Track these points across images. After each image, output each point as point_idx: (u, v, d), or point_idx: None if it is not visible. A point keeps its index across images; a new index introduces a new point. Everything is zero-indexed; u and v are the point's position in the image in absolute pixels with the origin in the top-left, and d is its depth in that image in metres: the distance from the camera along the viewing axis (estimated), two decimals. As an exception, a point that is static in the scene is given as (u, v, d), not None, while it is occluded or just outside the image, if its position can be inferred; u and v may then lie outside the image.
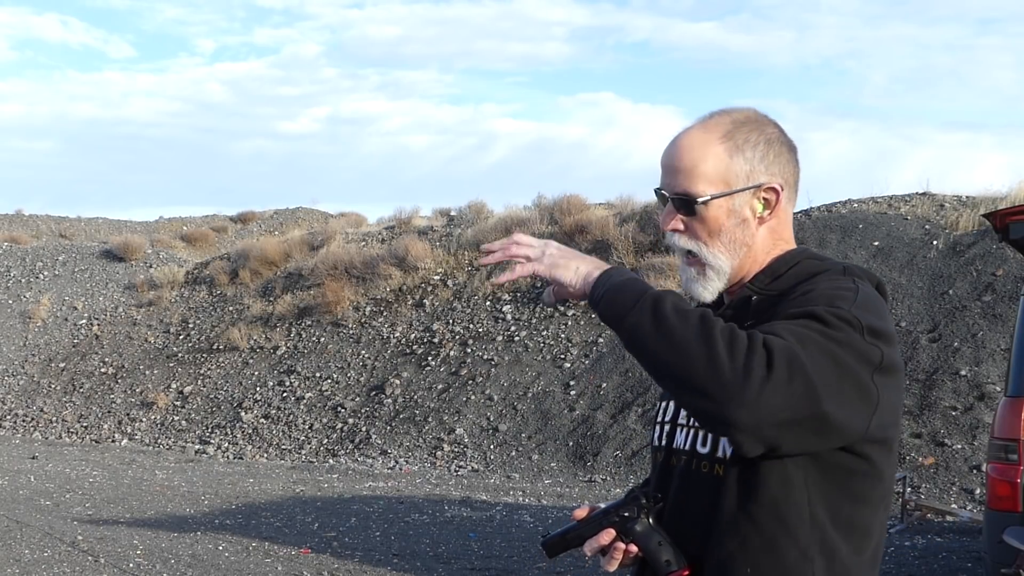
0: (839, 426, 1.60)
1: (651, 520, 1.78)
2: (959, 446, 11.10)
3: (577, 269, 1.72)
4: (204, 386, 18.09)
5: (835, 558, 1.71)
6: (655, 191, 1.87)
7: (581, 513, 1.86)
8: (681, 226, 1.81)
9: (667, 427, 1.88)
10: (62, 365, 20.21)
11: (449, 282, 17.87)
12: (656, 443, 1.92)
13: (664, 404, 1.93)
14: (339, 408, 16.20)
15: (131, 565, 8.01)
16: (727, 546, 1.69)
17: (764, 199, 1.83)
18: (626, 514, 1.78)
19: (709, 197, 1.78)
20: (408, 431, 15.09)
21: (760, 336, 1.55)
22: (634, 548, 1.78)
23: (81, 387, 19.36)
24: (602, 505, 1.86)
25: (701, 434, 1.78)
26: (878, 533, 1.79)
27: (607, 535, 1.79)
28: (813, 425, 1.57)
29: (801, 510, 1.67)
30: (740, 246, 1.81)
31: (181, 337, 19.76)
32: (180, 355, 19.22)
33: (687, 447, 1.80)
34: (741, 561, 1.69)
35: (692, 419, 1.81)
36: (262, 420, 16.65)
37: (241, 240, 27.59)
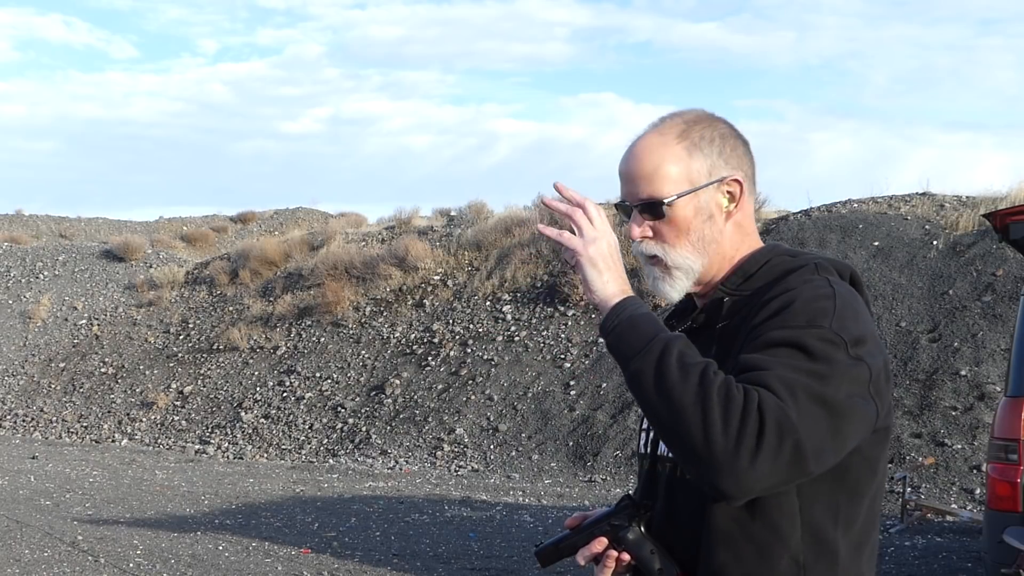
0: (822, 471, 1.62)
1: (642, 528, 1.78)
2: (959, 446, 11.10)
3: (606, 283, 1.73)
4: (204, 386, 18.09)
5: (836, 559, 1.70)
6: (616, 205, 1.88)
7: (573, 522, 1.86)
8: (649, 232, 1.81)
9: (652, 434, 1.88)
10: (62, 365, 20.21)
11: (449, 282, 17.87)
12: (642, 450, 1.92)
13: None
14: (339, 408, 16.20)
15: (131, 565, 8.01)
16: (720, 556, 1.69)
17: (728, 193, 1.83)
18: (616, 523, 1.78)
19: (676, 196, 1.79)
20: (408, 431, 15.09)
21: (755, 396, 1.55)
22: (627, 556, 1.78)
23: (81, 387, 19.36)
24: (594, 513, 1.86)
25: None
26: (877, 522, 1.79)
27: (599, 544, 1.79)
28: (800, 480, 1.61)
29: (793, 516, 1.67)
30: (709, 243, 1.81)
31: (181, 337, 19.76)
32: (180, 355, 19.22)
33: (671, 454, 1.79)
34: (734, 570, 1.69)
35: None
36: (262, 420, 16.65)
37: (241, 240, 27.60)
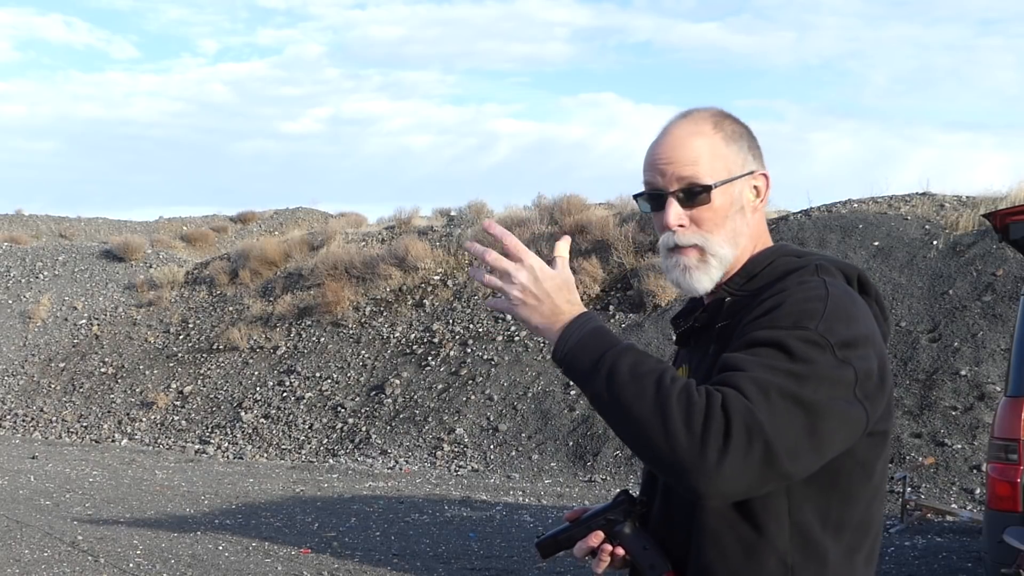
0: (804, 472, 1.59)
1: (637, 524, 1.79)
2: (959, 446, 11.09)
3: (544, 315, 1.69)
4: (204, 386, 18.09)
5: (826, 561, 1.69)
6: (646, 195, 1.84)
7: (573, 515, 1.87)
8: (687, 221, 1.79)
9: None
10: (62, 365, 20.21)
11: (449, 282, 17.87)
12: None
13: None
14: (339, 408, 16.20)
15: (131, 565, 8.01)
16: (708, 554, 1.69)
17: (755, 187, 1.84)
18: (612, 517, 1.80)
19: (722, 182, 1.78)
20: (408, 431, 15.09)
21: (718, 397, 1.53)
22: (621, 551, 1.79)
23: (81, 387, 19.35)
24: (593, 507, 1.87)
25: None
26: (874, 528, 1.77)
27: (595, 537, 1.80)
28: (778, 480, 1.58)
29: (781, 517, 1.67)
30: (739, 235, 1.81)
31: (181, 337, 19.76)
32: (180, 355, 19.22)
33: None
34: (721, 568, 1.69)
35: None
36: (262, 420, 16.65)
37: (241, 240, 27.59)
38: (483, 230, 1.80)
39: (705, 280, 1.80)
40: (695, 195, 1.78)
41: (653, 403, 1.54)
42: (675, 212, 1.79)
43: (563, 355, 1.66)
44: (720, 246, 1.79)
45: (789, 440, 1.54)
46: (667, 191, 1.79)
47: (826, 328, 1.61)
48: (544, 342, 15.47)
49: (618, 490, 1.88)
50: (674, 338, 2.00)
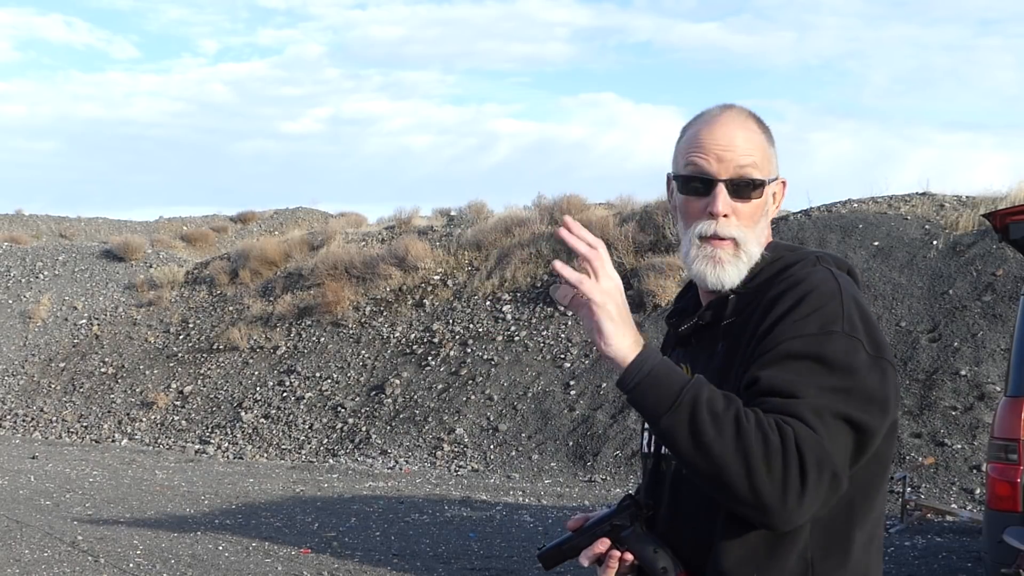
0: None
1: (644, 528, 1.78)
2: (959, 446, 11.09)
3: (623, 336, 1.64)
4: (204, 386, 18.08)
5: (848, 555, 1.72)
6: (691, 178, 1.80)
7: (575, 524, 1.86)
8: (731, 211, 1.78)
9: None
10: (62, 365, 20.21)
11: (449, 282, 17.87)
12: (645, 449, 1.92)
13: None
14: (339, 408, 16.20)
15: (131, 565, 8.00)
16: (730, 556, 1.69)
17: (773, 193, 1.86)
18: (618, 523, 1.79)
19: (770, 180, 1.81)
20: (408, 431, 15.09)
21: (791, 434, 1.56)
22: (630, 556, 1.78)
23: (81, 387, 19.35)
24: (596, 514, 1.86)
25: None
26: (883, 518, 1.82)
27: (602, 544, 1.79)
28: (837, 497, 1.64)
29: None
30: (762, 236, 1.83)
31: (181, 337, 19.76)
32: (180, 355, 19.22)
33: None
34: (745, 569, 1.69)
35: None
36: (262, 420, 16.65)
37: (241, 240, 27.60)
38: (563, 226, 1.67)
39: (734, 275, 1.78)
40: (747, 188, 1.78)
41: (734, 444, 1.56)
42: (724, 200, 1.77)
43: (636, 383, 1.63)
44: (752, 243, 1.79)
45: (845, 460, 1.61)
46: (719, 178, 1.77)
47: (851, 326, 1.65)
48: (544, 342, 15.48)
49: (620, 493, 1.86)
50: (668, 337, 2.00)
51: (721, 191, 1.76)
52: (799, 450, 1.55)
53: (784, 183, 1.88)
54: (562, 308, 15.88)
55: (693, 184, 1.79)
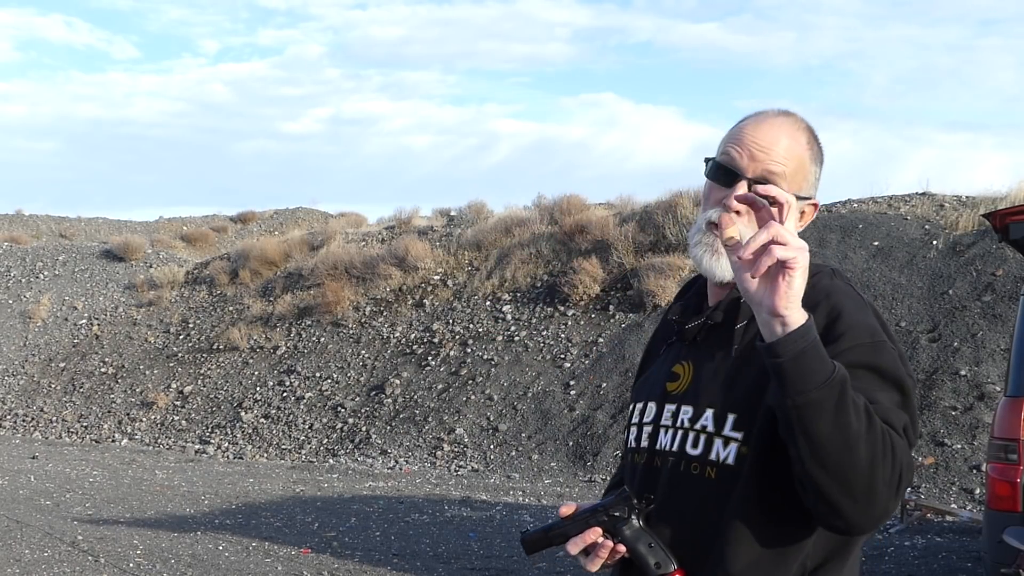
0: None
1: (641, 521, 1.76)
2: (959, 446, 11.09)
3: (799, 299, 1.56)
4: (204, 386, 18.09)
5: (847, 556, 1.73)
6: (720, 166, 1.80)
7: (567, 510, 1.83)
8: (743, 211, 1.74)
9: (648, 428, 1.86)
10: (62, 365, 20.21)
11: (449, 282, 17.87)
12: (634, 444, 1.89)
13: (642, 405, 1.91)
14: (339, 408, 16.20)
15: (131, 565, 8.01)
16: (736, 561, 1.68)
17: (801, 212, 1.83)
18: (616, 514, 1.76)
19: (800, 196, 1.79)
20: (408, 431, 15.09)
21: (902, 445, 1.57)
22: (622, 548, 1.76)
23: (81, 387, 19.35)
24: (587, 504, 1.84)
25: (691, 435, 1.77)
26: None
27: (593, 533, 1.77)
28: None
29: (810, 518, 1.67)
30: None
31: (181, 337, 19.76)
32: (180, 355, 19.22)
33: (674, 448, 1.78)
34: (756, 574, 1.69)
35: (678, 420, 1.79)
36: (262, 420, 16.65)
37: (241, 240, 27.61)
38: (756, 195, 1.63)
39: (726, 272, 1.76)
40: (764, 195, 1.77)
41: (867, 434, 1.53)
42: (739, 196, 1.75)
43: (800, 348, 1.53)
44: None
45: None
46: (744, 175, 1.76)
47: (889, 336, 1.70)
48: (544, 342, 15.48)
49: (623, 489, 1.84)
50: (659, 330, 1.99)
51: (741, 187, 1.75)
52: (896, 457, 1.55)
53: (816, 205, 1.84)
54: (560, 308, 15.87)
55: (720, 172, 1.79)
